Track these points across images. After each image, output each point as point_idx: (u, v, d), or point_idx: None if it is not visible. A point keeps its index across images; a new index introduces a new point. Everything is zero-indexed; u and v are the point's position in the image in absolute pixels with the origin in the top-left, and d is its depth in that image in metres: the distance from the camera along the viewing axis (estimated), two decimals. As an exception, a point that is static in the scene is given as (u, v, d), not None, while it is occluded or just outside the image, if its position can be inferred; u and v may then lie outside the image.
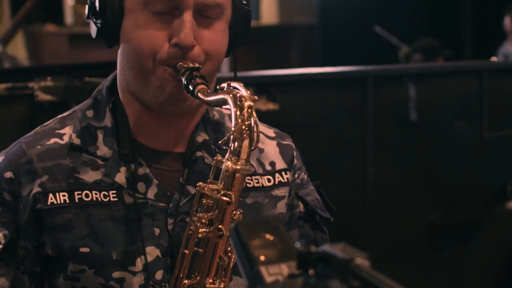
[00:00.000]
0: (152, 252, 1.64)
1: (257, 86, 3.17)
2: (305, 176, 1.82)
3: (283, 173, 1.78)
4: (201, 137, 1.71)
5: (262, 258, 1.06)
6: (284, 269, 1.04)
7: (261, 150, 1.78)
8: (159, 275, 1.64)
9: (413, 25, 9.04)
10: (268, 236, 1.09)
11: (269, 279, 1.03)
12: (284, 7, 10.81)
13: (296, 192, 1.79)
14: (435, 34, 7.52)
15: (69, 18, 9.32)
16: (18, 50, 7.86)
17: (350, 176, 3.56)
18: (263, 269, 1.04)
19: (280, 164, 1.78)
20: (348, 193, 3.54)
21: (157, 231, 1.65)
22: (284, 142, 1.82)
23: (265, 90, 3.19)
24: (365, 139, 3.51)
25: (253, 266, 1.06)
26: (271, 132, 1.83)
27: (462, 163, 3.59)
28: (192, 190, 1.65)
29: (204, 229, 1.52)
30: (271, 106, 3.23)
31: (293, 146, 1.83)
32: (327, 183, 1.88)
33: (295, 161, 1.81)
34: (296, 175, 1.79)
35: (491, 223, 0.86)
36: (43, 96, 2.71)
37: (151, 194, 1.66)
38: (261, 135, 1.74)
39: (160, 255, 1.64)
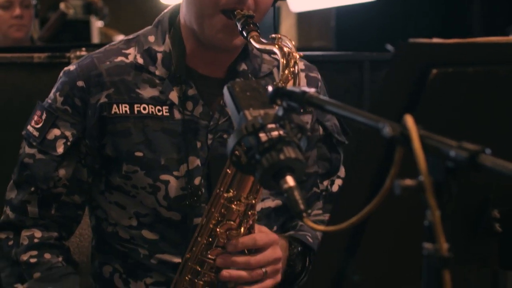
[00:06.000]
0: (193, 162, 1.92)
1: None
2: None
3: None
4: (241, 66, 1.98)
5: (246, 106, 1.44)
6: (262, 112, 1.41)
7: None
8: (197, 181, 1.93)
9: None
10: (251, 93, 1.49)
11: (250, 117, 1.41)
12: (303, 31, 11.18)
13: (318, 118, 2.06)
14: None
15: (96, 39, 9.67)
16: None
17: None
18: (246, 112, 1.41)
19: None
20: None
21: (198, 144, 1.93)
22: (312, 74, 2.11)
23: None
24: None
25: (239, 111, 1.44)
26: (301, 64, 2.07)
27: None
28: (229, 111, 1.96)
29: None
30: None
31: (319, 77, 2.12)
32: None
33: (319, 91, 2.09)
34: None
35: (398, 52, 1.25)
36: (78, 64, 3.12)
37: (197, 112, 1.94)
38: None
39: (199, 165, 1.93)
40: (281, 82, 1.77)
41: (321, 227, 1.35)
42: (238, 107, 1.45)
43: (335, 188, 2.11)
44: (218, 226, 1.82)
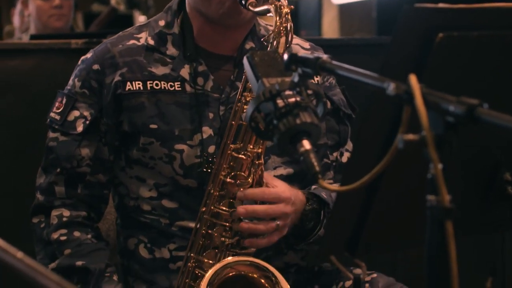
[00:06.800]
0: (207, 131, 2.04)
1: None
2: (334, 81, 2.19)
3: (314, 76, 2.17)
4: (249, 45, 2.09)
5: (264, 74, 1.51)
6: (279, 79, 1.48)
7: None
8: (211, 149, 2.03)
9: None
10: (269, 62, 1.55)
11: (268, 84, 1.48)
12: (345, 23, 11.19)
13: (325, 92, 2.12)
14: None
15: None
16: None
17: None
18: (264, 80, 1.48)
19: None
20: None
21: (211, 115, 2.05)
22: (317, 53, 2.15)
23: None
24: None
25: (258, 79, 1.51)
26: (306, 44, 2.22)
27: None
28: (239, 85, 1.99)
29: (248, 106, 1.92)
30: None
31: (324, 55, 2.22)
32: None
33: None
34: (325, 79, 2.17)
35: (403, 16, 1.30)
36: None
37: (207, 86, 2.06)
38: (297, 46, 2.17)
39: (212, 134, 2.04)
40: (274, 34, 1.90)
41: (335, 187, 1.41)
42: (257, 76, 1.52)
43: (344, 159, 2.18)
44: (228, 177, 1.93)
